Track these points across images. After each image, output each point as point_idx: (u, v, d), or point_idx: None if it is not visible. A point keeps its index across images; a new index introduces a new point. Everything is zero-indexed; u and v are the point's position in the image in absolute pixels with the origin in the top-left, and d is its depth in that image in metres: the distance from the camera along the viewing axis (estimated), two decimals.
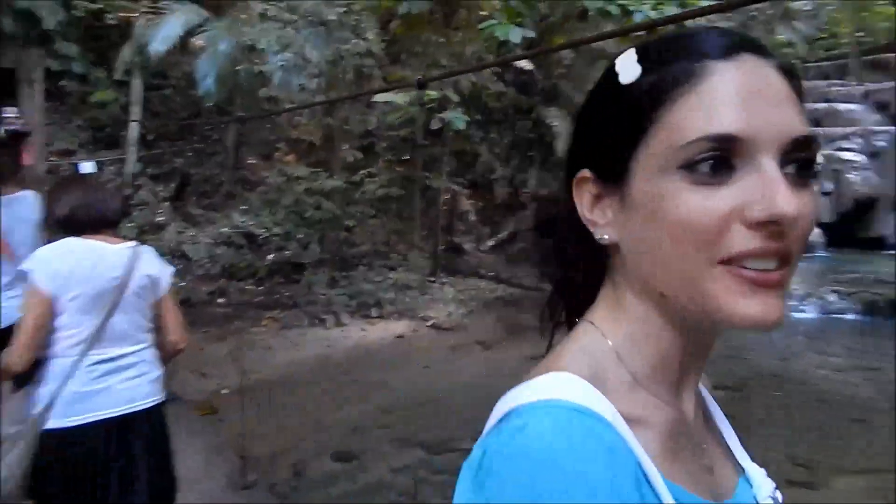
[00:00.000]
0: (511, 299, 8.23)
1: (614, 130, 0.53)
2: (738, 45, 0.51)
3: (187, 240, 7.93)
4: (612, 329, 0.55)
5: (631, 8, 5.69)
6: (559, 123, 11.76)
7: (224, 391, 5.02)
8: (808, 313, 7.68)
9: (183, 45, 9.34)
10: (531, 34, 5.67)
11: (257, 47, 7.70)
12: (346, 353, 6.07)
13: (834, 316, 7.60)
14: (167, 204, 8.69)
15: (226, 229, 8.03)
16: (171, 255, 7.68)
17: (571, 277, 0.64)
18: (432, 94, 6.32)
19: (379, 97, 6.29)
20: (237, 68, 7.96)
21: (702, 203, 0.47)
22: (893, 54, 18.10)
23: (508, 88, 12.46)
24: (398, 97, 5.84)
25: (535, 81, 12.56)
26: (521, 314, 7.54)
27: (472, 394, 5.05)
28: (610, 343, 0.55)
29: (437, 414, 4.74)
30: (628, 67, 0.53)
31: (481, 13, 8.82)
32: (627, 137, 0.52)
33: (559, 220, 0.62)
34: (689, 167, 0.48)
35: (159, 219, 8.28)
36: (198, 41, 8.84)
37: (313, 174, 7.64)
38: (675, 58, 0.51)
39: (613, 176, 0.54)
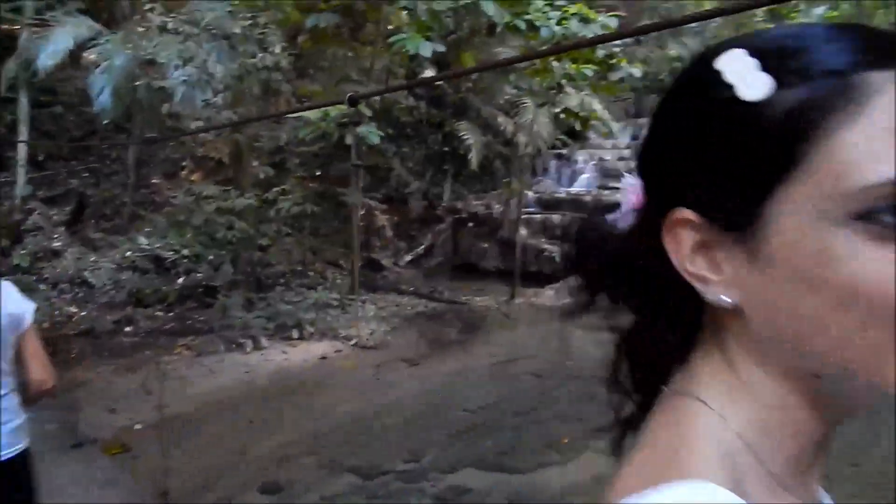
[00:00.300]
0: (433, 314, 8.21)
1: (740, 164, 0.40)
2: None
3: (88, 266, 7.41)
4: (733, 412, 0.43)
5: (537, 23, 5.81)
6: (471, 136, 11.93)
7: (137, 426, 4.70)
8: None
9: (74, 60, 8.78)
10: (441, 48, 5.69)
11: (157, 61, 7.34)
12: (267, 378, 5.83)
13: None
14: (63, 228, 8.10)
15: (130, 253, 7.56)
16: (71, 282, 7.15)
17: (650, 335, 0.52)
18: (345, 108, 6.21)
19: (292, 112, 6.12)
20: (136, 84, 7.55)
21: (891, 264, 0.36)
22: None
23: (419, 102, 12.53)
24: (312, 112, 5.71)
25: (445, 95, 12.71)
26: (443, 328, 7.54)
27: (401, 414, 4.97)
28: (734, 431, 0.42)
29: (366, 437, 4.62)
30: (752, 78, 0.40)
31: (389, 27, 8.81)
32: (762, 175, 0.39)
33: (630, 262, 0.51)
34: (867, 217, 0.36)
35: (55, 244, 7.70)
36: (90, 55, 8.33)
37: (223, 192, 7.33)
38: (817, 66, 0.39)
39: (735, 222, 0.41)
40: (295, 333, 6.92)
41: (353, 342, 6.94)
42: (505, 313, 8.29)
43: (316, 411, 5.06)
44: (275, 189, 8.01)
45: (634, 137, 16.74)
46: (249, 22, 7.57)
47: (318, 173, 10.43)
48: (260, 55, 7.45)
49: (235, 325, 6.79)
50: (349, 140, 6.29)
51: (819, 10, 25.79)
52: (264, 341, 6.67)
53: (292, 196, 7.86)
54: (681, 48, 20.48)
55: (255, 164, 7.98)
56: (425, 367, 6.18)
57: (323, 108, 5.94)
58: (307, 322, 7.10)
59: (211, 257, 7.29)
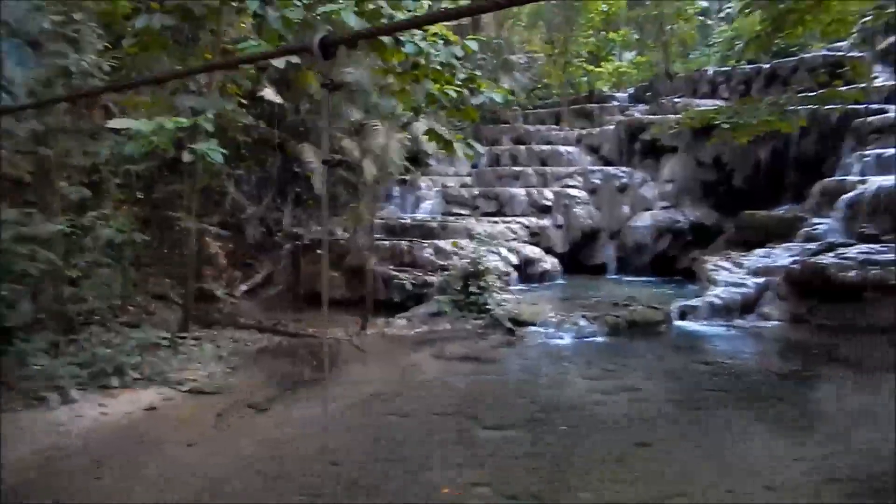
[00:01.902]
0: (278, 350, 7.50)
1: None
2: None
3: None
4: None
5: (402, 38, 5.50)
6: (314, 160, 11.34)
7: None
8: (567, 340, 8.22)
9: None
10: (295, 59, 5.19)
11: None
12: (81, 439, 4.83)
13: (586, 339, 8.22)
14: None
15: None
16: None
17: None
18: (182, 121, 5.45)
19: (115, 123, 5.24)
20: None
21: None
22: (593, 105, 21.09)
23: (258, 122, 11.73)
24: (142, 124, 4.89)
25: (285, 115, 12.01)
26: (293, 366, 6.87)
27: (253, 473, 4.30)
28: None
29: None
30: None
31: (232, 36, 8.06)
32: None
33: None
34: None
35: None
36: None
37: (25, 217, 6.13)
38: None
39: None
40: (115, 381, 5.90)
41: (187, 388, 6.06)
42: (357, 346, 7.79)
43: (147, 477, 4.22)
44: (91, 213, 6.89)
45: (475, 165, 17.13)
46: (62, 18, 6.49)
47: (141, 196, 9.28)
48: (74, 57, 6.39)
49: (36, 374, 5.63)
50: (186, 158, 5.50)
51: (629, 55, 28.30)
52: (75, 393, 5.59)
53: (113, 222, 6.79)
54: (512, 82, 21.42)
55: (64, 183, 6.81)
56: (276, 412, 5.51)
57: (157, 121, 5.13)
58: (130, 367, 6.10)
59: (4, 293, 6.04)
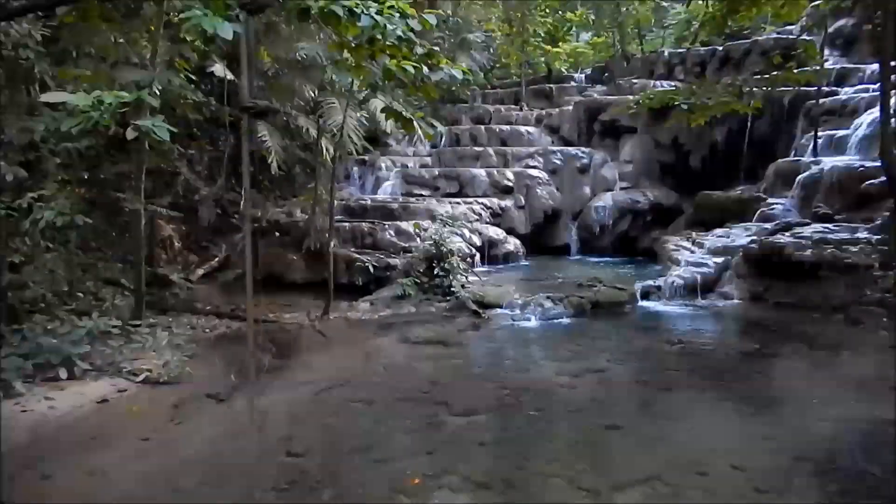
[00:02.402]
0: (237, 336, 7.22)
1: None
2: None
3: None
4: None
5: (357, 10, 5.23)
6: (269, 139, 10.98)
7: None
8: (532, 321, 8.16)
9: None
10: (241, 30, 4.86)
11: None
12: (28, 434, 4.54)
13: (552, 321, 8.18)
14: None
15: None
16: None
17: None
18: (124, 95, 5.10)
19: (48, 97, 4.85)
20: None
21: None
22: (551, 85, 21.05)
23: (209, 98, 11.27)
24: (78, 98, 4.53)
25: (237, 92, 11.58)
26: (253, 353, 6.61)
27: (211, 467, 4.09)
28: None
29: None
30: None
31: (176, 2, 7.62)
32: None
33: None
34: None
35: None
36: None
37: None
38: None
39: None
40: (63, 373, 5.58)
41: (141, 378, 5.78)
42: (320, 331, 7.58)
43: (99, 474, 3.98)
44: (30, 195, 6.46)
45: (434, 146, 16.91)
46: None
47: (86, 176, 8.80)
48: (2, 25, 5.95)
49: None
50: (129, 135, 5.16)
51: (585, 36, 28.34)
52: (20, 386, 5.26)
53: (55, 203, 6.39)
54: (470, 62, 21.18)
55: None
56: (235, 402, 5.29)
57: (96, 94, 4.77)
58: (79, 357, 5.78)
59: None
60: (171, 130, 5.67)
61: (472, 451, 4.33)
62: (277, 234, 10.99)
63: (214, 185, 11.92)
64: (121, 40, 8.73)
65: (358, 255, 10.32)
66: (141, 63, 7.86)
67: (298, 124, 11.33)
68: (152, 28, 7.32)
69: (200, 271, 10.84)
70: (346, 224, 11.53)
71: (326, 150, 10.97)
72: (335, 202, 12.13)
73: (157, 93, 8.24)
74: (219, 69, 10.30)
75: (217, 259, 11.49)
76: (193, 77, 10.27)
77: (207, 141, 12.65)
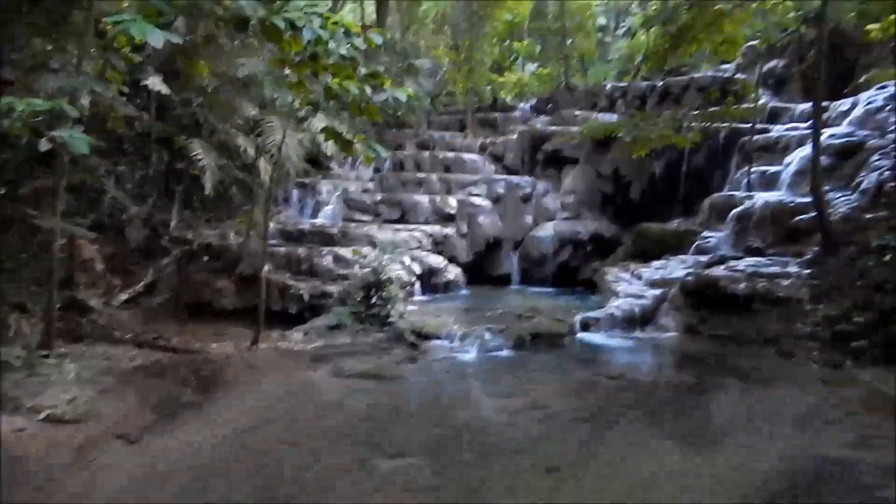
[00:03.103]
0: (157, 368, 6.74)
1: None
2: None
3: None
4: None
5: (300, 23, 5.01)
6: (204, 157, 10.56)
7: None
8: (472, 354, 7.96)
9: None
10: (177, 39, 4.57)
11: None
12: None
13: (492, 353, 8.00)
14: None
15: None
16: None
17: None
18: (38, 102, 4.73)
19: None
20: None
21: None
22: (496, 114, 21.25)
23: (142, 113, 10.79)
24: None
25: (174, 108, 11.12)
26: (172, 387, 6.18)
27: None
28: None
29: None
30: None
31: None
32: None
33: None
34: None
35: None
36: None
37: None
38: None
39: None
40: None
41: (43, 416, 5.27)
42: (248, 362, 7.17)
43: None
44: None
45: (377, 170, 16.68)
46: None
47: (2, 191, 8.21)
48: None
49: None
50: (42, 146, 4.76)
51: (531, 67, 28.83)
52: None
53: None
54: (416, 88, 21.15)
55: None
56: (149, 444, 4.86)
57: (6, 101, 4.38)
58: None
59: None
60: (100, 145, 5.27)
61: (406, 498, 4.06)
62: (207, 258, 10.51)
63: (144, 205, 11.37)
64: (49, 47, 8.27)
65: (293, 282, 9.95)
66: (67, 72, 7.41)
67: (236, 143, 10.96)
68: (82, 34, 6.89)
69: (123, 296, 10.21)
70: (282, 249, 11.14)
71: (265, 170, 10.62)
72: (272, 226, 11.75)
73: (86, 104, 7.79)
74: (154, 82, 9.87)
75: (143, 283, 10.88)
76: (125, 89, 9.79)
77: (139, 157, 12.08)
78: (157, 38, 4.04)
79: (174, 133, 10.79)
